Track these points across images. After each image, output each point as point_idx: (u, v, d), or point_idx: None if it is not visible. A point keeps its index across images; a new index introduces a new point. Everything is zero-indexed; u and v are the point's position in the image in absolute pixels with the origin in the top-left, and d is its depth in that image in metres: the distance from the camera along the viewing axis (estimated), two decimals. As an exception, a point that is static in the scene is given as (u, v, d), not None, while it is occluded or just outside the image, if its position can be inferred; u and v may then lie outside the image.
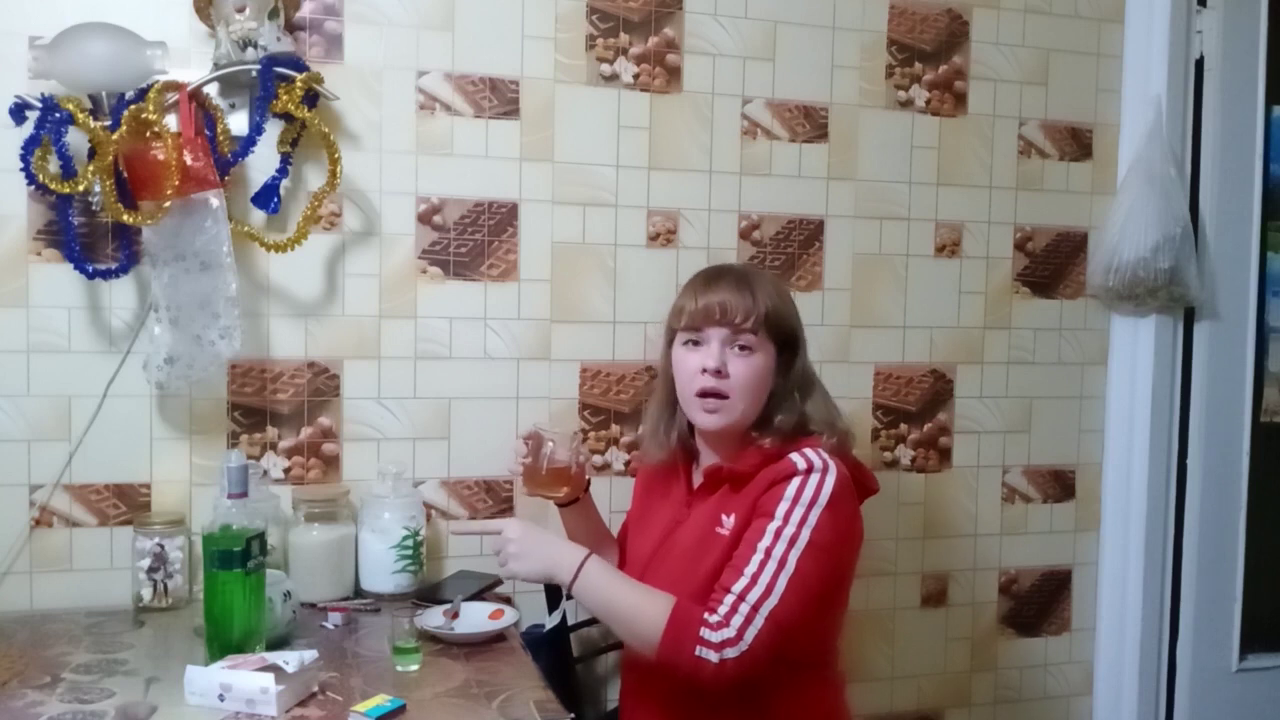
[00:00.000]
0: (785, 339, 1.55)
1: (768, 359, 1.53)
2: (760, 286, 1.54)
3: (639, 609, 1.42)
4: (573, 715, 1.39)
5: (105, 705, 1.35)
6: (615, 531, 1.83)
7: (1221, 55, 2.28)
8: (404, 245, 1.92)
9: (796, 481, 1.46)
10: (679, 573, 1.54)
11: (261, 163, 1.80)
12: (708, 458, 1.63)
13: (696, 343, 1.54)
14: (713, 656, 1.36)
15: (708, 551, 1.52)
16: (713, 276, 1.58)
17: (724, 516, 1.53)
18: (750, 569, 1.41)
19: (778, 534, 1.43)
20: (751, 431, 1.57)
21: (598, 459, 2.03)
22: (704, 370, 1.51)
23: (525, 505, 1.98)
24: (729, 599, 1.40)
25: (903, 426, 2.23)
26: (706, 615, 1.39)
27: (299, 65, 1.75)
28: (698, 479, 1.64)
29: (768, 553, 1.42)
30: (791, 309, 1.58)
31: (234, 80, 1.77)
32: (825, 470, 1.47)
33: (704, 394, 1.52)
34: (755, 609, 1.38)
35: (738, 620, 1.38)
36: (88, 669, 1.48)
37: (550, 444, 1.63)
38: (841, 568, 1.52)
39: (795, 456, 1.50)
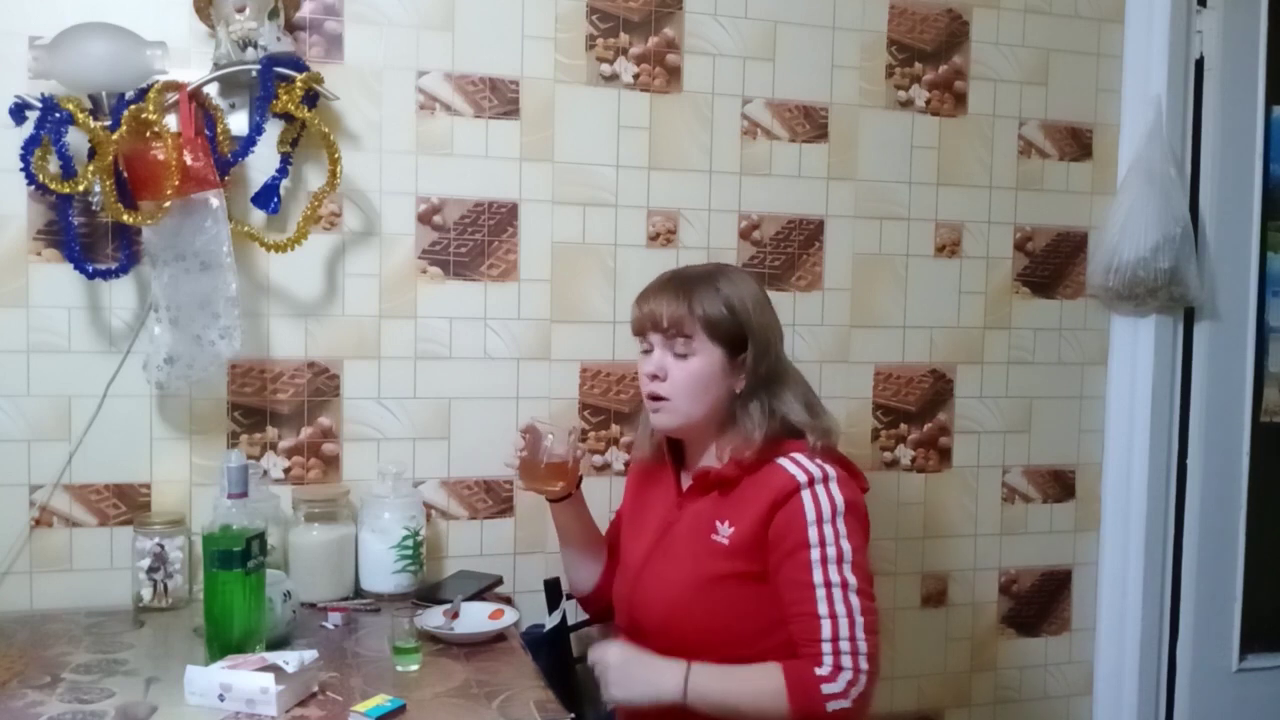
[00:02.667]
0: (733, 340, 1.55)
1: (708, 361, 1.54)
2: (701, 291, 1.54)
3: (757, 696, 1.43)
4: (573, 715, 1.39)
5: (105, 705, 1.35)
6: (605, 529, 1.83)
7: (1221, 55, 2.28)
8: (404, 245, 1.92)
9: (809, 500, 1.48)
10: (676, 574, 1.56)
11: (261, 163, 1.80)
12: (694, 459, 1.64)
13: (647, 350, 1.59)
14: (845, 703, 1.41)
15: (706, 557, 1.53)
16: (655, 286, 1.61)
17: (718, 523, 1.54)
18: (823, 609, 1.44)
19: (824, 560, 1.45)
20: (718, 432, 1.58)
21: (597, 459, 2.03)
22: (645, 374, 1.58)
23: (525, 505, 1.98)
24: (827, 647, 1.43)
25: (903, 426, 2.23)
26: (817, 670, 1.42)
27: (299, 65, 1.75)
28: (686, 480, 1.65)
29: (827, 585, 1.44)
30: (742, 311, 1.55)
31: (234, 80, 1.77)
32: (826, 478, 1.49)
33: (649, 396, 1.58)
34: (854, 640, 1.43)
35: (847, 661, 1.42)
36: (88, 669, 1.48)
37: (549, 437, 1.64)
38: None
39: (790, 467, 1.51)
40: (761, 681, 1.43)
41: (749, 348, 1.55)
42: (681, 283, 1.57)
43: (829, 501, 1.47)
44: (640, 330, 1.59)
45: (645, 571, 1.60)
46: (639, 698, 1.46)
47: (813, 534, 1.46)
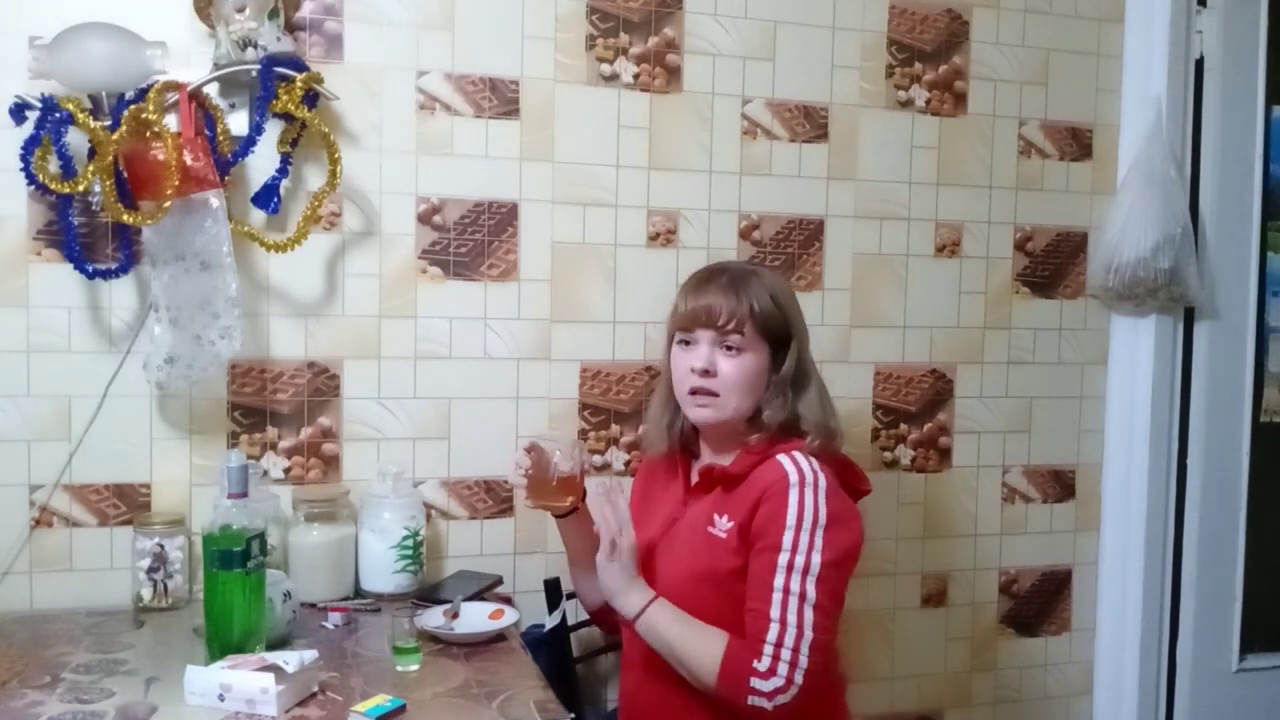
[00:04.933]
0: (778, 338, 1.57)
1: (758, 358, 1.56)
2: (752, 287, 1.56)
3: (698, 655, 1.46)
4: (573, 715, 1.40)
5: (105, 705, 1.35)
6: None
7: (1221, 55, 2.28)
8: (404, 245, 1.92)
9: (794, 501, 1.47)
10: (676, 569, 1.56)
11: (261, 163, 1.80)
12: (706, 455, 1.65)
13: (689, 343, 1.58)
14: (765, 704, 1.41)
15: (703, 550, 1.54)
16: (705, 278, 1.60)
17: (716, 516, 1.55)
18: (775, 613, 1.44)
19: (790, 567, 1.45)
20: (746, 428, 1.58)
21: (597, 459, 2.03)
22: (693, 370, 1.56)
23: (525, 506, 1.98)
24: (768, 649, 1.43)
25: (903, 426, 2.23)
26: (755, 663, 1.42)
27: (299, 65, 1.75)
28: (695, 477, 1.65)
29: (786, 591, 1.44)
30: (787, 308, 1.59)
31: (234, 80, 1.76)
32: (816, 484, 1.49)
33: (694, 391, 1.57)
34: (796, 651, 1.43)
35: (783, 669, 1.42)
36: (88, 669, 1.48)
37: (557, 453, 1.64)
38: (850, 571, 1.54)
39: (784, 462, 1.51)
40: (706, 644, 1.46)
41: (791, 345, 1.56)
42: (734, 278, 1.57)
43: (813, 510, 1.47)
44: (691, 324, 1.57)
45: (648, 566, 1.60)
46: (609, 585, 1.51)
47: (788, 539, 1.46)
